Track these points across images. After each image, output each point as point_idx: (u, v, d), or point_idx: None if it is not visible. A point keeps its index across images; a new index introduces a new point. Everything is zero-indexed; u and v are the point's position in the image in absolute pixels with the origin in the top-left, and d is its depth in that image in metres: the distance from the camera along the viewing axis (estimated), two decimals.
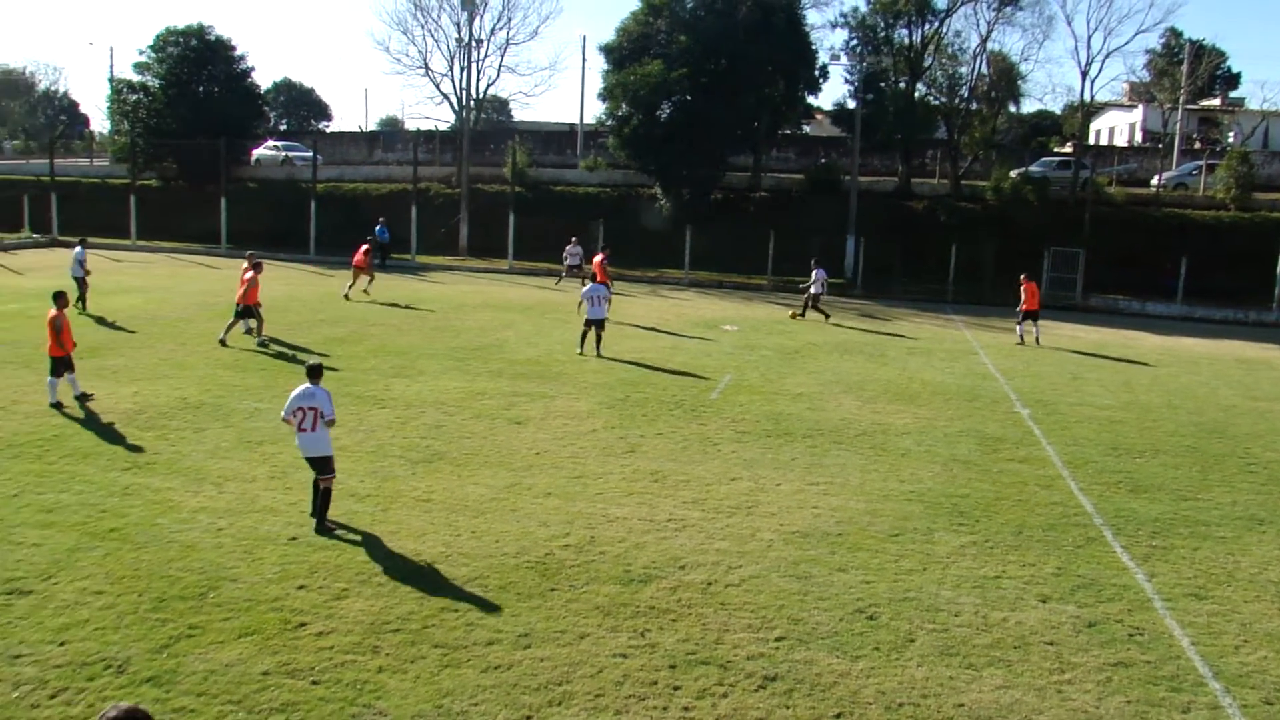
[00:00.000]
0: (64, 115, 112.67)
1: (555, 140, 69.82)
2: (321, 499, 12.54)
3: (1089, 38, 64.49)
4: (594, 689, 8.98)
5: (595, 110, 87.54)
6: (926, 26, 52.39)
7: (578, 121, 70.75)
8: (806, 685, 9.21)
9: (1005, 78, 55.24)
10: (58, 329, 17.62)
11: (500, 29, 60.32)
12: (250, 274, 24.75)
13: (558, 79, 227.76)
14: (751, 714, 8.72)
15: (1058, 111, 72.49)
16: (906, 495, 14.92)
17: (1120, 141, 75.10)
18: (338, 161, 64.59)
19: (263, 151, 59.76)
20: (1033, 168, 53.16)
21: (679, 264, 45.32)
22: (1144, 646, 10.29)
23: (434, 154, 62.82)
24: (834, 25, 60.35)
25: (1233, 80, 79.84)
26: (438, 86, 62.65)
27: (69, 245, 40.55)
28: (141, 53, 57.98)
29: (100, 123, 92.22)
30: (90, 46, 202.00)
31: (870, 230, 45.67)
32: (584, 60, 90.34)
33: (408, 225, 47.95)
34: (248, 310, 24.57)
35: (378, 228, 44.87)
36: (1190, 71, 61.89)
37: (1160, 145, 62.15)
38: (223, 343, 23.76)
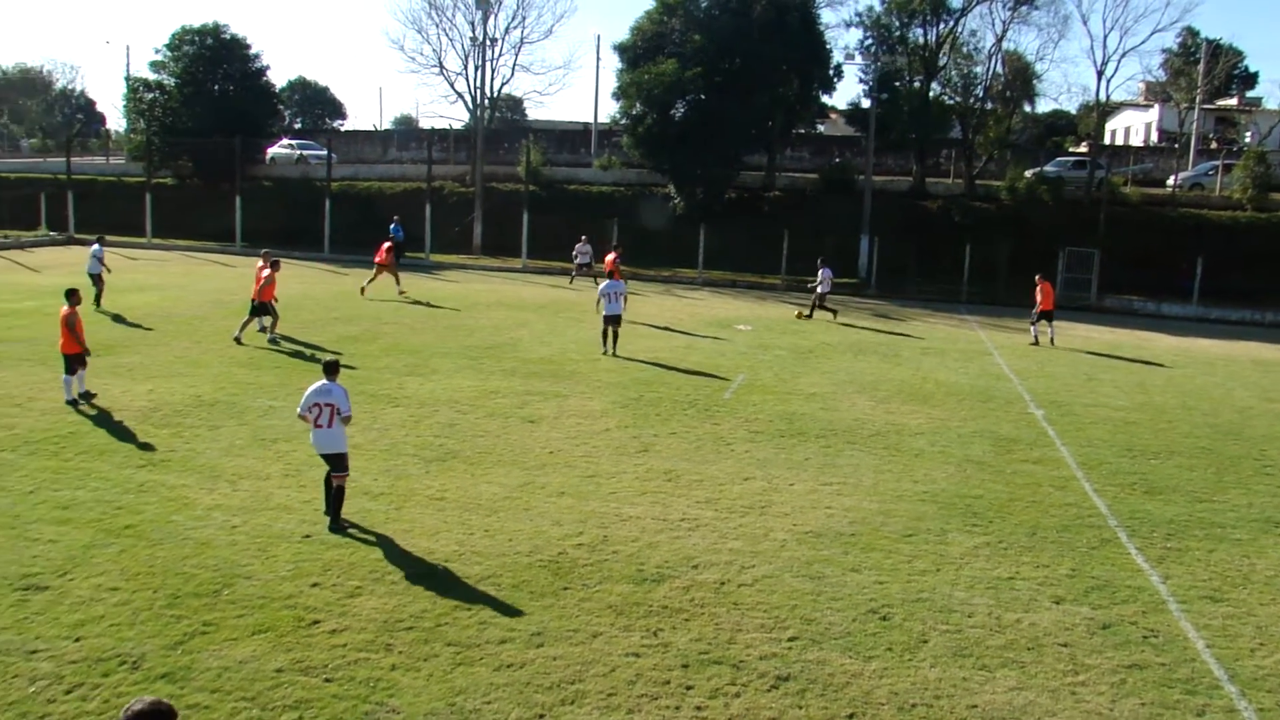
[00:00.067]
0: (81, 114, 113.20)
1: (569, 139, 69.82)
2: (335, 497, 12.57)
3: (1105, 37, 64.07)
4: (606, 688, 8.98)
5: (609, 109, 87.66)
6: (941, 26, 52.25)
7: (592, 120, 70.75)
8: (819, 685, 9.20)
9: (1020, 77, 55.08)
10: (71, 326, 17.70)
11: (514, 28, 60.50)
12: (267, 271, 24.82)
13: (572, 78, 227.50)
14: (764, 714, 8.71)
15: (1073, 111, 72.20)
16: (920, 496, 14.89)
17: (1136, 141, 74.83)
18: (352, 160, 64.67)
19: (278, 150, 59.87)
20: (1048, 168, 52.96)
21: (693, 263, 45.28)
22: (1159, 649, 10.25)
23: (448, 153, 62.86)
24: (848, 24, 60.53)
25: (1250, 80, 79.45)
26: (452, 85, 62.97)
27: (85, 243, 40.75)
28: (157, 51, 58.29)
29: (116, 121, 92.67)
30: (107, 45, 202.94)
31: (884, 230, 45.57)
32: (598, 59, 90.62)
33: (422, 224, 48.01)
34: (263, 307, 24.63)
35: (392, 226, 44.92)
36: (1207, 71, 61.64)
37: (1176, 145, 61.92)
38: (238, 341, 23.83)
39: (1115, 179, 51.60)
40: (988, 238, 44.58)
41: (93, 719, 8.14)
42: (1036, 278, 31.30)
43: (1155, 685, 9.52)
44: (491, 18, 56.23)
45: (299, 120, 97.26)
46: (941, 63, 52.80)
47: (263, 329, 24.81)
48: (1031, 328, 31.14)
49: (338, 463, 12.57)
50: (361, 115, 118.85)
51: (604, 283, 26.08)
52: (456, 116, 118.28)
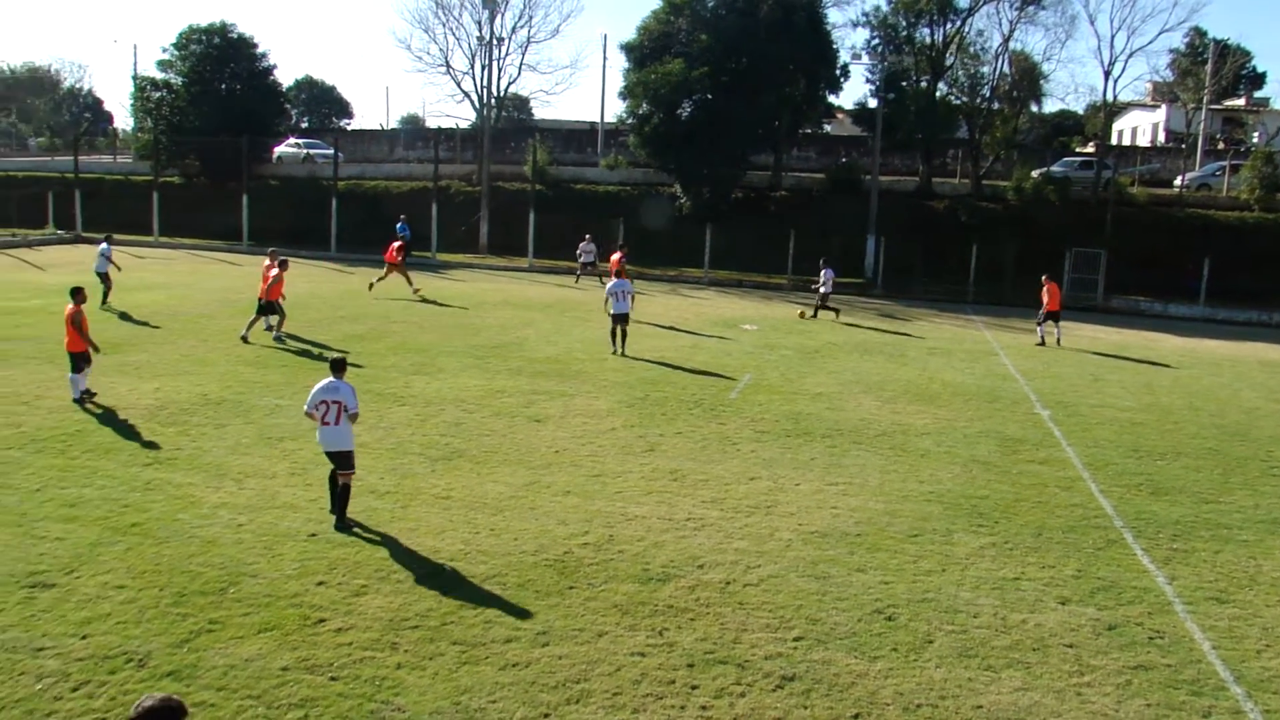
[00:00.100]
0: (88, 113, 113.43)
1: (576, 138, 69.84)
2: (341, 495, 12.58)
3: (1112, 37, 64.10)
4: (612, 687, 8.99)
5: (616, 108, 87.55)
6: (948, 26, 52.18)
7: (598, 120, 70.77)
8: (824, 685, 9.20)
9: (1027, 77, 54.97)
10: (77, 324, 17.74)
11: (521, 27, 60.80)
12: (275, 271, 24.84)
13: (578, 77, 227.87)
14: (769, 714, 8.72)
15: (1080, 111, 72.15)
16: (926, 496, 14.89)
17: (1143, 142, 74.68)
18: (359, 159, 64.75)
19: (284, 149, 59.98)
20: (1054, 168, 52.86)
21: (699, 263, 45.27)
22: (1164, 650, 10.24)
23: (455, 152, 62.95)
24: (855, 24, 60.55)
25: (1258, 80, 79.29)
26: (459, 84, 62.93)
27: (93, 242, 40.86)
28: (165, 50, 58.34)
29: (124, 120, 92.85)
30: (114, 44, 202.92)
31: (891, 230, 45.56)
32: (605, 59, 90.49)
33: (428, 223, 48.05)
34: (270, 306, 24.67)
35: (399, 225, 44.99)
36: (1214, 71, 61.55)
37: (1184, 145, 61.82)
38: (244, 339, 23.87)
39: (1122, 179, 51.47)
40: (994, 238, 44.55)
41: (99, 716, 8.17)
42: (1043, 278, 31.30)
43: (1161, 686, 9.51)
44: (498, 17, 56.36)
45: (306, 119, 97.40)
46: (948, 63, 52.73)
47: (269, 327, 24.85)
48: (1038, 328, 31.10)
49: (344, 460, 12.59)
50: (368, 114, 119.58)
51: (611, 282, 26.07)
52: (463, 116, 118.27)
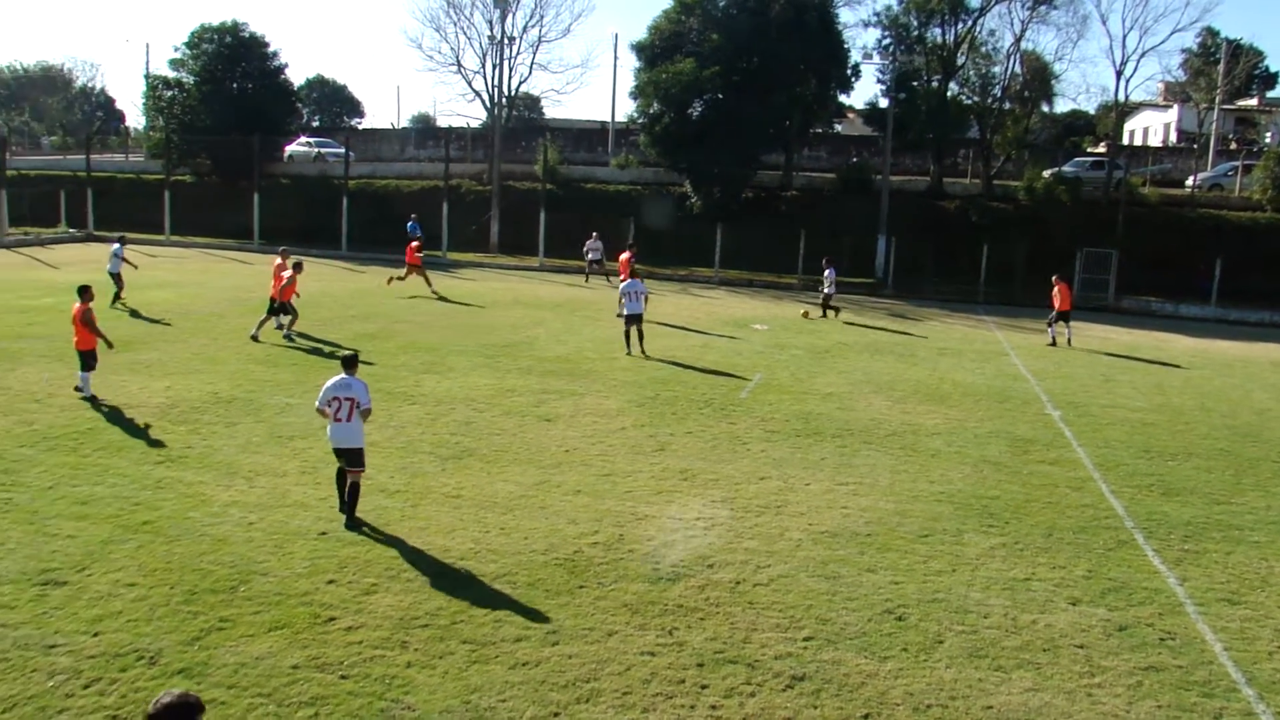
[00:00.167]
0: (100, 111, 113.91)
1: (586, 138, 69.88)
2: (351, 493, 12.60)
3: (1124, 37, 63.95)
4: (622, 686, 8.99)
5: (627, 108, 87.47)
6: (960, 25, 52.11)
7: (609, 119, 70.80)
8: (834, 685, 9.19)
9: (1039, 77, 54.84)
10: (88, 321, 17.81)
11: (532, 26, 60.66)
12: (289, 272, 24.88)
13: (589, 77, 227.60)
14: (779, 713, 8.71)
15: (1091, 111, 71.93)
16: (936, 496, 14.86)
17: (1155, 142, 74.50)
18: (370, 158, 64.88)
19: (295, 148, 60.12)
20: (1066, 168, 52.72)
21: (709, 262, 45.27)
22: (1175, 651, 10.20)
23: (465, 151, 63.03)
24: (866, 24, 60.30)
25: (1270, 80, 78.97)
26: (470, 84, 63.11)
27: (105, 240, 41.01)
28: (177, 50, 58.62)
29: (136, 119, 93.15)
30: (126, 44, 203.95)
31: (902, 230, 45.49)
32: (616, 58, 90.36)
33: (439, 222, 48.14)
34: (282, 306, 24.71)
35: (409, 224, 45.07)
36: (1227, 71, 61.32)
37: (1195, 146, 61.59)
38: (254, 338, 23.92)
39: (1134, 179, 51.35)
40: (1005, 238, 44.47)
41: (110, 713, 8.19)
42: (1053, 278, 31.22)
43: (1172, 688, 9.48)
44: (509, 16, 56.37)
45: (317, 118, 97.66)
46: (960, 62, 52.64)
47: (280, 326, 24.89)
48: (1049, 329, 31.03)
49: (354, 458, 12.60)
50: (379, 113, 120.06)
51: (624, 282, 25.98)
52: (474, 115, 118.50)
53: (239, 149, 51.99)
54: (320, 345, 24.00)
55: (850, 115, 63.48)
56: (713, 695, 8.93)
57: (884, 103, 52.20)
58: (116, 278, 28.77)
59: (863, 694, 9.08)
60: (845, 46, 52.08)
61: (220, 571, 10.87)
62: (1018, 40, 52.61)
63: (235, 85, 57.04)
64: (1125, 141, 69.84)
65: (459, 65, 61.30)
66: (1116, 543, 13.29)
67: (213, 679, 8.72)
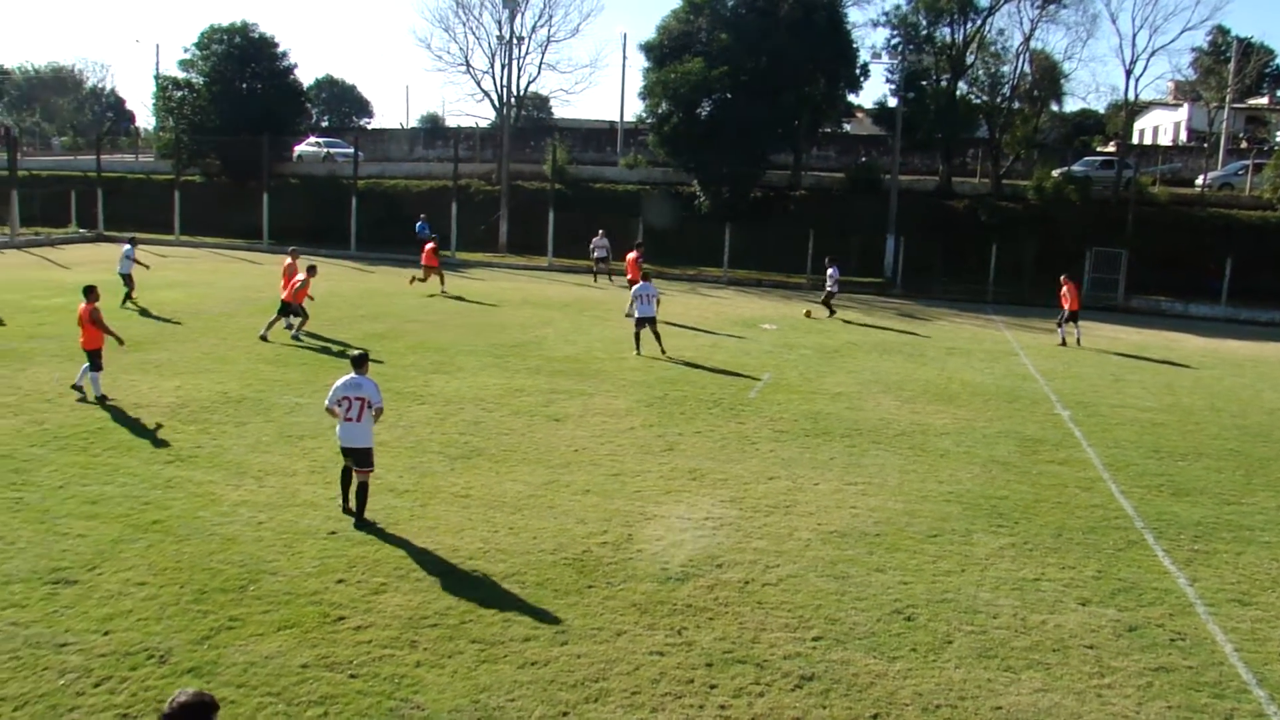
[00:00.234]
0: (111, 112, 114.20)
1: (595, 137, 69.91)
2: (359, 493, 12.60)
3: (1134, 35, 64.08)
4: (630, 686, 8.99)
5: (635, 108, 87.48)
6: (969, 25, 52.05)
7: (618, 119, 70.76)
8: (843, 685, 9.18)
9: (1048, 76, 54.72)
10: (97, 320, 17.85)
11: (541, 26, 60.39)
12: (302, 275, 24.91)
13: (598, 76, 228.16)
14: (788, 713, 8.70)
15: (1101, 110, 71.77)
16: (945, 496, 14.84)
17: (1165, 141, 74.29)
18: (379, 158, 65.00)
19: (305, 148, 60.23)
20: (1075, 167, 52.64)
21: (718, 262, 45.25)
22: (1186, 652, 10.18)
23: (474, 151, 63.08)
24: (875, 23, 60.47)
25: None
26: (478, 84, 62.77)
27: (115, 240, 41.09)
28: (186, 50, 58.63)
29: (146, 119, 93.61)
30: (136, 44, 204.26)
31: (911, 229, 45.45)
32: (624, 58, 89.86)
33: (448, 222, 48.18)
34: (293, 308, 24.73)
35: (419, 224, 45.11)
36: (1237, 69, 61.16)
37: (1205, 144, 61.45)
38: (264, 338, 23.96)
39: (1143, 179, 51.24)
40: (1014, 237, 44.43)
41: (121, 712, 8.21)
42: (1061, 278, 31.14)
43: (1182, 689, 9.45)
44: (518, 16, 56.33)
45: (326, 118, 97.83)
46: (969, 62, 52.54)
47: (289, 326, 24.92)
48: (1059, 329, 30.97)
49: (363, 458, 12.60)
50: (388, 113, 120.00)
51: (637, 284, 25.81)
52: (483, 115, 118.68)
53: (248, 149, 52.06)
54: (329, 345, 24.04)
55: (859, 115, 63.39)
56: (721, 695, 8.93)
57: (893, 102, 52.19)
58: (127, 278, 28.81)
59: (871, 694, 9.07)
60: (854, 46, 52.06)
61: (230, 571, 10.89)
62: (1027, 39, 52.64)
63: (245, 86, 57.10)
64: (1135, 141, 69.73)
65: (468, 65, 61.36)
66: (1126, 543, 13.26)
67: (222, 678, 8.74)
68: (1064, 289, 30.60)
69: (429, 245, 35.71)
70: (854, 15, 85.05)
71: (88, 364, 17.99)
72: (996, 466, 16.58)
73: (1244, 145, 62.41)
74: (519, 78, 57.81)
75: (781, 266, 45.58)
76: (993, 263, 43.01)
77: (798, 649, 9.80)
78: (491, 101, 58.02)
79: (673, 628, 10.12)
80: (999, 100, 53.47)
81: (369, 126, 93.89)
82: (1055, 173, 50.55)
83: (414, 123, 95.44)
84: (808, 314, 34.08)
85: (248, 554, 11.37)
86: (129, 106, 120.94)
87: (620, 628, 10.06)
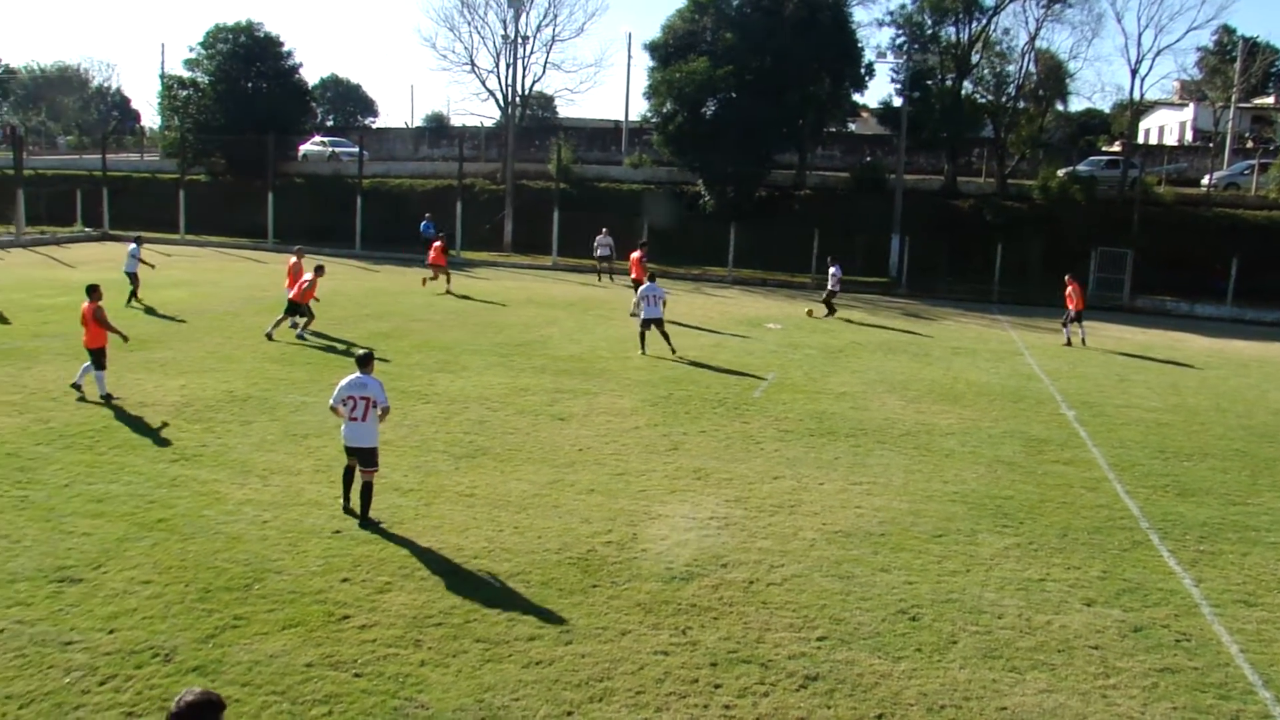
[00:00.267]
0: (116, 111, 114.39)
1: (600, 137, 69.87)
2: (364, 493, 12.59)
3: (1139, 35, 63.98)
4: (635, 686, 8.99)
5: (640, 107, 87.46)
6: (974, 24, 51.99)
7: (623, 118, 70.78)
8: (848, 685, 9.17)
9: (1053, 76, 54.69)
10: (100, 319, 17.87)
11: (546, 26, 60.54)
12: (309, 276, 24.92)
13: (603, 76, 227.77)
14: (792, 713, 8.70)
15: (1106, 110, 71.64)
16: (950, 496, 14.82)
17: (1170, 140, 74.18)
18: (384, 157, 65.01)
19: (310, 147, 60.28)
20: (1080, 167, 52.59)
21: (723, 261, 45.23)
22: (1191, 653, 10.16)
23: (479, 150, 63.12)
24: (880, 23, 60.37)
25: None
26: (483, 83, 62.99)
27: (120, 239, 41.16)
28: (192, 49, 58.83)
29: (151, 118, 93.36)
30: (142, 44, 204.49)
31: (916, 229, 45.39)
32: (629, 57, 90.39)
33: (453, 221, 48.20)
34: (299, 308, 24.74)
35: (423, 224, 45.13)
36: (1243, 69, 61.01)
37: (1211, 144, 61.33)
38: (269, 337, 23.98)
39: (1149, 178, 51.16)
40: (1020, 237, 44.40)
41: (126, 710, 8.21)
42: (1066, 278, 31.09)
43: (1188, 689, 9.44)
44: (523, 16, 56.39)
45: (331, 117, 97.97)
46: (974, 61, 52.51)
47: (294, 325, 24.94)
48: (1064, 329, 30.94)
49: (367, 457, 12.59)
50: (393, 113, 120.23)
51: (644, 285, 25.69)
52: (488, 114, 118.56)
53: (253, 148, 52.13)
54: (334, 344, 24.06)
55: (864, 114, 63.38)
56: (726, 695, 8.92)
57: (898, 102, 52.10)
58: (132, 277, 28.87)
59: (876, 694, 9.06)
60: (859, 45, 52.03)
61: (234, 569, 10.90)
62: (1032, 39, 52.58)
63: (250, 85, 57.23)
64: (1140, 140, 69.53)
65: (473, 64, 61.48)
66: (1131, 543, 13.24)
67: (227, 677, 8.75)
68: (1068, 289, 30.57)
69: (437, 244, 35.74)
70: (859, 15, 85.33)
71: (88, 363, 18.02)
72: (1001, 466, 16.56)
73: (1250, 145, 62.26)
74: (524, 77, 57.96)
75: (786, 266, 45.54)
76: (998, 262, 42.95)
77: (802, 649, 9.79)
78: (496, 101, 58.15)
79: (677, 627, 10.11)
80: (1004, 100, 53.42)
81: (374, 126, 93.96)
82: (1060, 172, 50.48)
83: (419, 122, 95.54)
84: (809, 313, 34.10)
85: (252, 553, 11.38)
86: (134, 105, 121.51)
87: (625, 627, 10.06)
